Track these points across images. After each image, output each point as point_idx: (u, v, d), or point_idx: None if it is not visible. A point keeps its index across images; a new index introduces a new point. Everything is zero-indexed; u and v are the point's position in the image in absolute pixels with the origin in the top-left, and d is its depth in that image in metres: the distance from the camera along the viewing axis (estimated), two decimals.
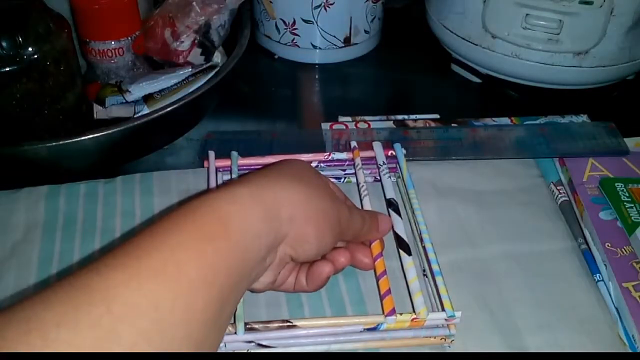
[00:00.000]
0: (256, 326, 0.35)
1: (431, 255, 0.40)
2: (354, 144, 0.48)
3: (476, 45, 0.61)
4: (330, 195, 0.36)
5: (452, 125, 0.56)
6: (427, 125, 0.56)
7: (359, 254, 0.40)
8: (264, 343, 0.36)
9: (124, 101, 0.53)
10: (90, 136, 0.46)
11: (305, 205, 0.33)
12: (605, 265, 0.42)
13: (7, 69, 0.45)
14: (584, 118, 0.57)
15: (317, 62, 0.67)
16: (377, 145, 0.48)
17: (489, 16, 0.58)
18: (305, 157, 0.47)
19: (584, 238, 0.45)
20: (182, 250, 0.26)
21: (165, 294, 0.25)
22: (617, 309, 0.40)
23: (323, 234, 0.34)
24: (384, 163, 0.46)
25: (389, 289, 0.37)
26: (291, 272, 0.38)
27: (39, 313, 0.22)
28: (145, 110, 0.51)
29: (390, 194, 0.44)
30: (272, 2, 0.63)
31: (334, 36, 0.65)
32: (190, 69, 0.54)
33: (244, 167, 0.47)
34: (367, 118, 0.57)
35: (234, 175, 0.45)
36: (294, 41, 0.65)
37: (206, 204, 0.29)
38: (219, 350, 0.36)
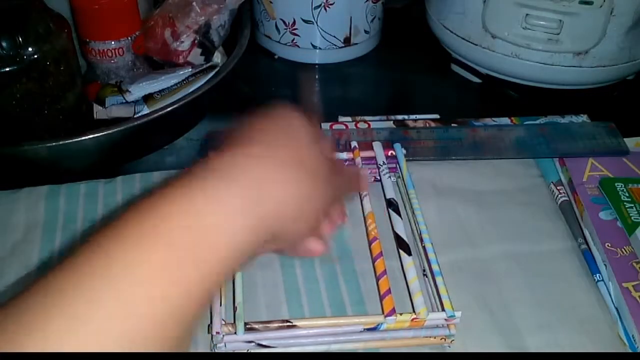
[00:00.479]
0: (256, 326, 0.35)
1: (431, 255, 0.40)
2: (354, 144, 0.48)
3: (476, 45, 0.60)
4: (317, 173, 0.32)
5: (452, 125, 0.56)
6: (427, 125, 0.56)
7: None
8: (264, 343, 0.36)
9: (124, 101, 0.53)
10: (90, 136, 0.46)
11: (295, 202, 0.30)
12: (605, 265, 0.42)
13: (7, 69, 0.45)
14: (584, 118, 0.57)
15: (317, 62, 0.67)
16: (377, 145, 0.48)
17: (489, 16, 0.58)
18: None
19: (584, 238, 0.45)
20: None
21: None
22: (617, 309, 0.40)
23: (309, 228, 0.32)
24: (384, 163, 0.46)
25: (389, 289, 0.37)
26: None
27: (21, 318, 0.22)
28: (145, 110, 0.51)
29: (390, 194, 0.44)
30: (272, 2, 0.63)
31: (334, 36, 0.65)
32: (190, 69, 0.54)
33: None
34: (367, 118, 0.57)
35: None
36: (294, 41, 0.65)
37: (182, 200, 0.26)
38: (219, 351, 0.36)
